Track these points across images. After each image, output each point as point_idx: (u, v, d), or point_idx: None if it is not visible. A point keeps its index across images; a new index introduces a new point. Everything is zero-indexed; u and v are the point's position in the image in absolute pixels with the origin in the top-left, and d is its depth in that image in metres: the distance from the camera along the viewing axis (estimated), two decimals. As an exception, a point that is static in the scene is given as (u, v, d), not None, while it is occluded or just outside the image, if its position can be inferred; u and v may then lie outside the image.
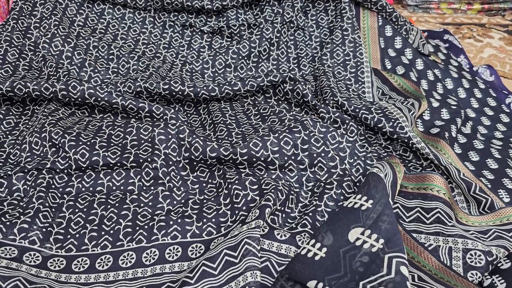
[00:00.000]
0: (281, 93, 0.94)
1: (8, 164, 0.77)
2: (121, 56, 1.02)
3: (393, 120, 0.81)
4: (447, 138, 0.90)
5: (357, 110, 0.85)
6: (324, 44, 1.11)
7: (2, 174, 0.73)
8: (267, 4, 1.13)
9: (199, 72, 1.02)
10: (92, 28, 1.09)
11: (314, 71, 1.06)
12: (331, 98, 0.89)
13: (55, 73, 0.93)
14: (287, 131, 0.77)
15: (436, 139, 0.89)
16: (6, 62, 0.93)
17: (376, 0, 1.10)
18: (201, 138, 0.76)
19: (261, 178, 0.72)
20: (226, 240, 0.60)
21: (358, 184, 0.76)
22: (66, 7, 1.07)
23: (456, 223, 0.68)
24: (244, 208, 0.68)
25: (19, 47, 0.96)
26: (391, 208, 0.61)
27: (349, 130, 0.85)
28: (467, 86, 1.13)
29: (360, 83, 1.01)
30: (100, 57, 1.02)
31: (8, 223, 0.65)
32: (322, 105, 0.87)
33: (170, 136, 0.77)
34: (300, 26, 1.13)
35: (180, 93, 0.90)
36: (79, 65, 0.98)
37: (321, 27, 1.15)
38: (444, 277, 0.61)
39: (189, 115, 0.93)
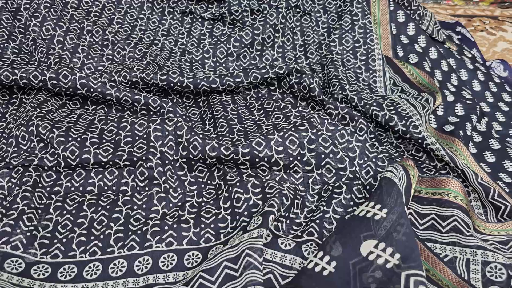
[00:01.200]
0: (286, 86, 0.88)
1: (-7, 158, 0.72)
2: (116, 42, 0.96)
3: (406, 118, 0.75)
4: (462, 136, 0.84)
5: (367, 106, 0.79)
6: (332, 30, 1.05)
7: (-14, 169, 0.68)
8: None
9: (199, 61, 0.95)
10: (86, 10, 1.02)
11: (322, 59, 1.00)
12: (340, 91, 0.83)
13: (45, 59, 0.87)
14: (292, 129, 0.72)
15: (451, 138, 0.83)
16: (-8, 45, 0.87)
17: None
18: (200, 135, 0.71)
19: (264, 180, 0.66)
20: (226, 250, 0.55)
21: (368, 187, 0.70)
22: None
23: (474, 233, 0.63)
24: (245, 213, 0.63)
25: (8, 28, 0.90)
26: (406, 218, 0.55)
27: (358, 127, 0.79)
28: (482, 78, 1.07)
29: (371, 71, 0.95)
30: (94, 42, 0.95)
31: (-12, 227, 0.60)
32: (330, 100, 0.81)
33: (167, 133, 0.72)
34: (306, 11, 1.06)
35: (178, 84, 0.84)
36: (71, 50, 0.92)
37: (328, 12, 1.08)
38: (462, 293, 0.56)
39: (187, 108, 0.87)
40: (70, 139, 0.71)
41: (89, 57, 0.92)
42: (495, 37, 1.40)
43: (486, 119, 0.94)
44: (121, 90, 0.79)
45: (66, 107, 0.83)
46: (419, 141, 0.74)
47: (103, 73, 0.87)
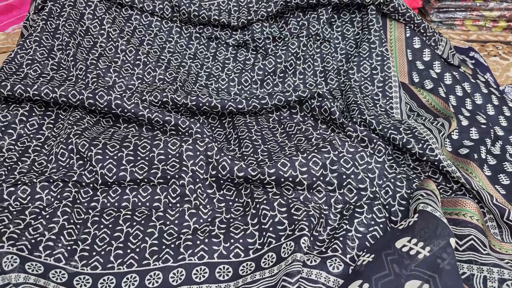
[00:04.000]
0: (308, 109, 0.93)
1: (32, 171, 0.77)
2: (148, 63, 1.02)
3: (422, 142, 0.79)
4: (477, 159, 0.87)
5: (385, 130, 0.83)
6: (350, 56, 1.10)
7: (26, 181, 0.73)
8: (291, 16, 1.12)
9: (225, 89, 1.01)
10: (120, 28, 1.08)
11: (340, 85, 1.05)
12: (359, 116, 0.88)
13: (83, 77, 0.93)
14: (315, 151, 0.76)
15: (466, 160, 0.87)
16: (35, 61, 0.93)
17: (404, 11, 1.08)
18: (229, 156, 0.75)
19: (290, 201, 0.70)
20: (265, 278, 0.59)
21: (387, 207, 0.74)
22: (95, 8, 1.07)
23: (491, 251, 0.66)
24: (271, 229, 0.67)
25: (48, 47, 0.96)
26: (450, 254, 0.57)
27: (376, 149, 0.83)
28: (497, 103, 1.11)
29: (387, 98, 0.99)
30: (126, 61, 1.01)
31: (33, 240, 0.65)
32: (350, 123, 0.85)
33: (198, 153, 0.76)
34: (326, 39, 1.11)
35: (207, 104, 0.89)
36: (104, 70, 0.98)
37: (346, 39, 1.13)
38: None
39: (213, 128, 0.92)
40: (107, 157, 0.76)
41: (120, 76, 0.98)
42: (508, 62, 1.43)
43: (500, 143, 0.97)
44: (152, 111, 0.84)
45: (100, 124, 0.89)
46: (436, 163, 0.77)
47: (135, 92, 0.93)
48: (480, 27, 1.64)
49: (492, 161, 0.91)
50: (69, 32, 0.98)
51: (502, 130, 1.04)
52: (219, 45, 1.12)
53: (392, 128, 0.83)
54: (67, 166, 0.77)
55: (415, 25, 1.11)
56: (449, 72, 1.09)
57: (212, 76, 1.04)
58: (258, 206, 0.70)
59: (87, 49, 1.00)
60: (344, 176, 0.75)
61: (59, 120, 0.87)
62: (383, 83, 1.01)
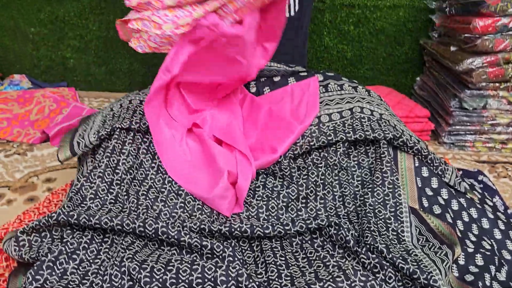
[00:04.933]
0: (326, 235, 1.06)
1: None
2: (189, 193, 1.19)
3: (427, 273, 0.90)
4: (482, 287, 0.97)
5: (394, 259, 0.95)
6: (365, 183, 1.24)
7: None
8: (314, 149, 1.30)
9: (255, 216, 1.16)
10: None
11: (357, 208, 1.18)
12: (372, 243, 1.00)
13: (135, 209, 1.11)
14: (331, 280, 0.88)
15: (470, 288, 0.96)
16: (97, 196, 1.11)
17: (412, 145, 1.24)
18: (256, 283, 0.88)
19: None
20: None
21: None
22: (150, 143, 1.27)
23: None
24: None
25: (108, 182, 1.15)
26: None
27: (387, 276, 0.94)
28: (503, 227, 1.21)
29: (399, 222, 1.12)
30: (171, 191, 1.19)
31: None
32: (363, 250, 0.97)
33: (230, 278, 0.90)
34: (343, 167, 1.27)
35: (238, 229, 1.04)
36: (152, 200, 1.15)
37: (362, 167, 1.28)
38: None
39: (243, 251, 1.06)
40: (154, 280, 0.90)
41: (166, 205, 1.15)
42: (517, 183, 1.54)
43: (506, 268, 1.06)
44: (192, 237, 1.00)
45: (147, 247, 1.04)
46: (439, 292, 0.88)
47: (177, 220, 1.09)
48: (490, 148, 1.78)
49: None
50: (127, 168, 1.18)
51: (510, 254, 1.13)
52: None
53: (400, 258, 0.95)
54: (119, 286, 0.91)
55: (423, 156, 1.26)
56: (456, 198, 1.22)
57: (244, 203, 1.20)
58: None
59: (140, 181, 1.18)
60: (356, 303, 0.86)
61: (114, 244, 1.03)
62: (394, 208, 1.14)
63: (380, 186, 1.19)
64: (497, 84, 1.67)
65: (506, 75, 1.64)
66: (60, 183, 1.51)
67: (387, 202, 1.16)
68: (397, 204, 1.15)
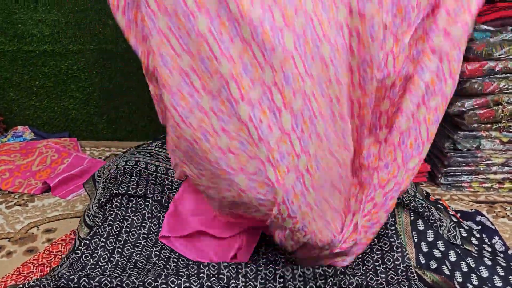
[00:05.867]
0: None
1: None
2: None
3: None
4: None
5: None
6: None
7: None
8: None
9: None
10: None
11: None
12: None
13: (137, 275, 1.13)
14: None
15: None
16: (98, 266, 1.13)
17: (408, 203, 1.28)
18: None
19: None
20: None
21: None
22: (154, 192, 1.29)
23: None
24: None
25: (110, 250, 1.17)
26: None
27: None
28: (502, 274, 1.22)
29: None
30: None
31: None
32: None
33: None
34: None
35: None
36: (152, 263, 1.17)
37: None
38: None
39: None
40: None
41: (167, 266, 1.17)
42: (517, 223, 1.55)
43: (507, 319, 1.07)
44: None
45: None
46: None
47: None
48: (487, 188, 1.79)
49: None
50: (127, 231, 1.20)
51: (511, 301, 1.14)
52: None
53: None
54: None
55: (419, 213, 1.29)
56: (453, 249, 1.23)
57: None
58: None
59: (142, 243, 1.21)
60: None
61: None
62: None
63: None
64: (488, 125, 1.70)
65: (497, 116, 1.67)
66: (60, 233, 1.52)
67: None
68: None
